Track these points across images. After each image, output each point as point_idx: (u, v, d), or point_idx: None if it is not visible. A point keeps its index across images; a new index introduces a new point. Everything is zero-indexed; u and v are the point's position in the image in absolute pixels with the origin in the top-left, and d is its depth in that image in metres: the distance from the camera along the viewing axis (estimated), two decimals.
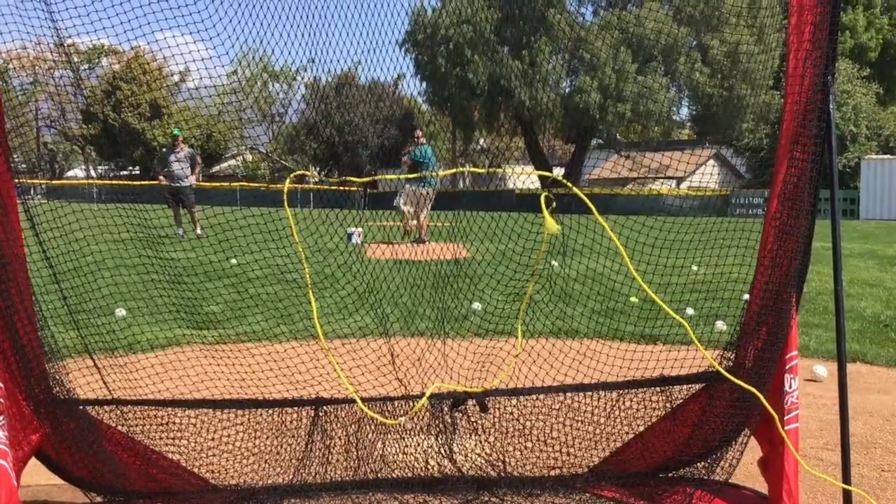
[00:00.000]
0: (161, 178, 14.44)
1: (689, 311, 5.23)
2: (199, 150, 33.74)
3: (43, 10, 2.61)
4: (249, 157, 50.58)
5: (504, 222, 3.24)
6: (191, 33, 2.79)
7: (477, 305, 6.00)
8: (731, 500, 2.87)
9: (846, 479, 2.63)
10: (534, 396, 3.06)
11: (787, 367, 2.71)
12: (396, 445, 3.08)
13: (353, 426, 3.02)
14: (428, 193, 12.90)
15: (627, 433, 3.03)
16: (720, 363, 2.80)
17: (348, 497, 2.90)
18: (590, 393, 3.04)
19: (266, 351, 3.45)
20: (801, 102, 2.60)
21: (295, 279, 7.09)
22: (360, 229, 9.18)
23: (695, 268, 3.24)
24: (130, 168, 47.06)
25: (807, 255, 2.70)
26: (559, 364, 3.19)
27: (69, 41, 2.76)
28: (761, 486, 2.88)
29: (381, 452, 3.05)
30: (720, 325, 5.09)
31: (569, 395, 3.04)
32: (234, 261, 7.01)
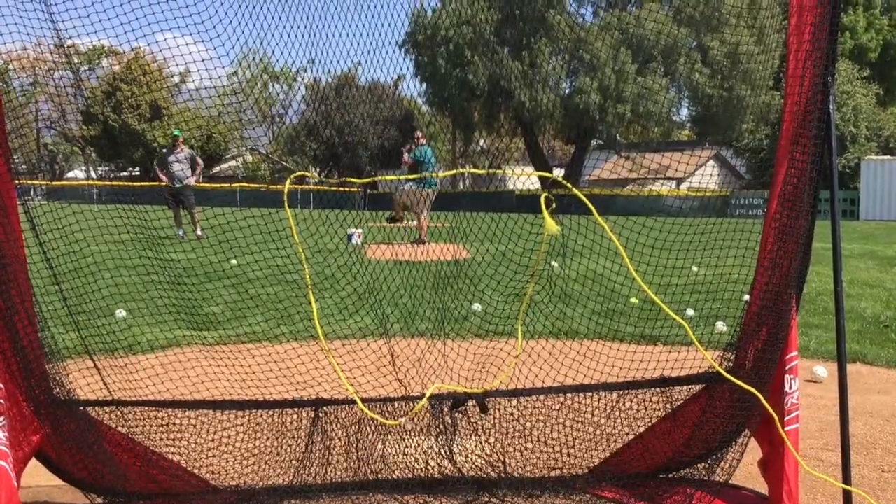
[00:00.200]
0: (161, 178, 14.44)
1: (689, 311, 5.23)
2: (199, 151, 33.74)
3: (43, 11, 2.61)
4: (250, 158, 50.61)
5: (504, 223, 3.24)
6: (191, 34, 2.80)
7: (477, 306, 6.00)
8: (731, 501, 2.87)
9: (846, 479, 2.63)
10: (534, 397, 3.06)
11: (787, 367, 2.71)
12: (397, 446, 3.08)
13: (353, 427, 3.02)
14: (429, 194, 12.89)
15: (628, 434, 3.03)
16: (720, 364, 2.80)
17: (348, 498, 2.90)
18: (590, 394, 3.04)
19: (266, 352, 3.45)
20: (801, 103, 2.60)
21: (295, 280, 7.10)
22: (360, 230, 9.17)
23: (695, 269, 3.24)
24: (131, 169, 47.07)
25: (807, 255, 2.70)
26: (559, 365, 3.19)
27: (69, 42, 2.76)
28: (761, 487, 2.87)
29: (381, 453, 3.05)
30: (720, 325, 5.09)
31: (569, 395, 3.04)
32: (234, 262, 7.00)
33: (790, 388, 2.70)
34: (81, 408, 2.81)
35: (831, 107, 2.58)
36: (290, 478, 2.97)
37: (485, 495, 2.90)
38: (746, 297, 2.83)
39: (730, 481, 2.92)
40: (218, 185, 35.79)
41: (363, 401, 2.80)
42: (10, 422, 2.44)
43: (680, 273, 3.20)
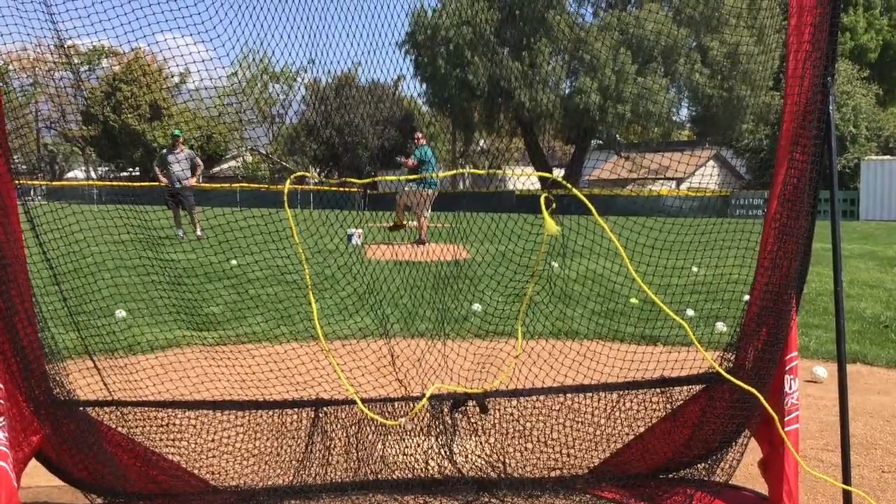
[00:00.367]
0: (161, 178, 14.44)
1: (689, 312, 5.24)
2: (199, 152, 33.76)
3: (43, 11, 2.61)
4: (250, 159, 50.62)
5: (504, 223, 3.24)
6: (191, 35, 2.80)
7: (477, 306, 6.00)
8: (731, 501, 2.87)
9: (846, 480, 2.63)
10: (534, 397, 3.06)
11: (787, 368, 2.71)
12: (396, 446, 3.08)
13: (353, 427, 3.02)
14: (430, 195, 12.90)
15: (628, 434, 3.03)
16: (720, 364, 2.80)
17: (348, 498, 2.90)
18: (590, 394, 3.04)
19: (266, 352, 3.45)
20: (800, 103, 2.60)
21: (295, 280, 7.10)
22: (360, 230, 9.17)
23: (695, 269, 3.24)
24: (130, 169, 47.07)
25: (807, 256, 2.70)
26: (559, 365, 3.19)
27: (69, 42, 2.76)
28: (761, 488, 2.87)
29: (381, 453, 3.05)
30: (720, 326, 5.09)
31: (569, 396, 3.04)
32: (234, 262, 7.01)
33: (790, 388, 2.70)
34: (81, 408, 2.81)
35: (831, 107, 2.58)
36: (290, 478, 2.97)
37: (485, 495, 2.90)
38: (746, 298, 2.83)
39: (730, 482, 2.92)
40: (218, 185, 35.79)
41: (363, 401, 2.80)
42: (9, 422, 2.44)
43: (680, 273, 3.20)
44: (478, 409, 2.96)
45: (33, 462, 2.69)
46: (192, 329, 4.95)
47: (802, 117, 2.60)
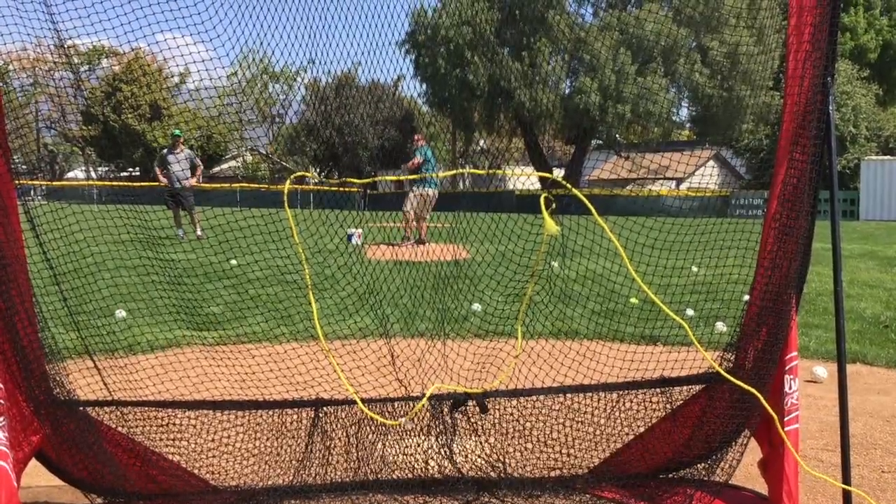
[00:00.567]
0: (161, 178, 14.44)
1: (689, 312, 5.24)
2: (199, 152, 33.76)
3: (43, 11, 2.61)
4: (250, 158, 50.62)
5: (504, 223, 3.25)
6: (191, 34, 2.80)
7: (477, 306, 6.00)
8: (731, 501, 2.87)
9: (846, 479, 2.63)
10: (534, 397, 3.06)
11: (787, 367, 2.71)
12: (396, 446, 3.09)
13: (353, 427, 3.02)
14: (431, 195, 12.90)
15: (627, 434, 3.03)
16: (720, 364, 2.80)
17: (348, 498, 2.90)
18: (590, 394, 3.04)
19: (266, 352, 3.45)
20: (800, 103, 2.60)
21: (295, 280, 7.10)
22: (360, 230, 9.16)
23: (695, 269, 3.24)
24: (131, 169, 47.08)
25: (807, 256, 2.70)
26: (559, 365, 3.19)
27: (69, 42, 2.76)
28: (761, 487, 2.88)
29: (381, 453, 3.05)
30: (720, 326, 5.10)
31: (569, 396, 3.04)
32: (234, 262, 7.01)
33: (790, 388, 2.70)
34: (81, 408, 2.81)
35: (831, 107, 2.58)
36: (290, 478, 2.97)
37: (485, 495, 2.90)
38: (746, 298, 2.83)
39: (730, 481, 2.92)
40: (218, 185, 35.78)
41: (363, 401, 2.80)
42: (9, 422, 2.44)
43: (680, 273, 3.20)
44: (478, 408, 2.96)
45: (33, 462, 2.69)
46: (192, 329, 4.95)
47: (802, 117, 2.60)
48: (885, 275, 9.72)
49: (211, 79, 3.23)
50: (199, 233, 13.51)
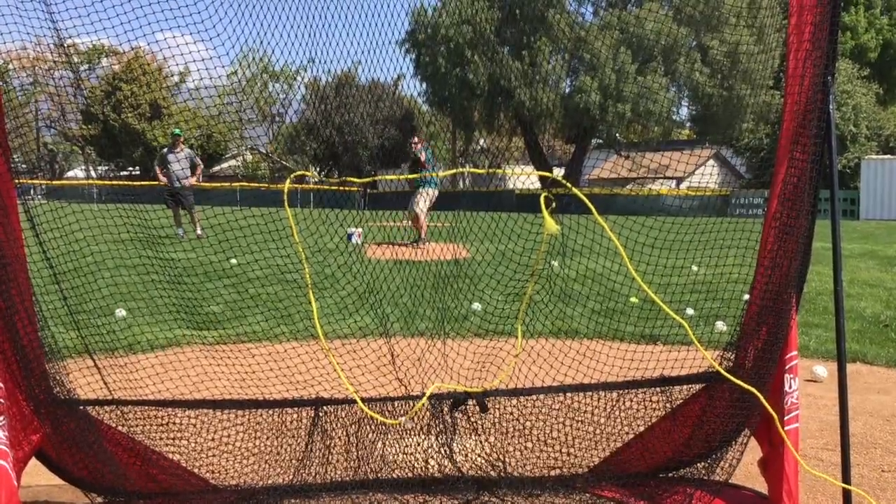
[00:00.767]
0: (161, 177, 14.43)
1: (689, 311, 5.23)
2: (199, 151, 33.75)
3: (43, 10, 2.61)
4: (249, 158, 50.59)
5: (504, 223, 3.25)
6: (191, 34, 2.80)
7: (477, 306, 6.00)
8: (731, 501, 2.87)
9: (846, 479, 2.63)
10: (534, 396, 3.06)
11: (787, 367, 2.71)
12: (396, 445, 3.09)
13: (353, 426, 3.02)
14: (432, 195, 12.90)
15: (627, 433, 3.03)
16: (720, 363, 2.80)
17: (348, 497, 2.90)
18: (590, 393, 3.04)
19: (266, 351, 3.45)
20: (801, 102, 2.60)
21: (295, 279, 7.09)
22: (360, 229, 9.17)
23: (695, 268, 3.24)
24: (130, 168, 47.08)
25: (807, 255, 2.70)
26: (559, 364, 3.19)
27: (69, 41, 2.76)
28: (761, 487, 2.88)
29: (381, 452, 3.06)
30: (720, 325, 5.10)
31: (569, 395, 3.04)
32: (234, 261, 7.01)
33: (790, 387, 2.70)
34: (81, 407, 2.81)
35: (831, 106, 2.58)
36: (290, 477, 2.97)
37: (485, 494, 2.90)
38: (746, 297, 2.83)
39: (730, 481, 2.92)
40: (218, 184, 35.77)
41: (363, 400, 2.80)
42: (9, 421, 2.44)
43: (680, 272, 3.20)
44: (478, 408, 2.96)
45: (33, 461, 2.69)
46: (191, 328, 4.95)
47: (803, 116, 2.60)
48: (885, 274, 9.72)
49: (211, 78, 3.22)
50: (198, 232, 13.51)
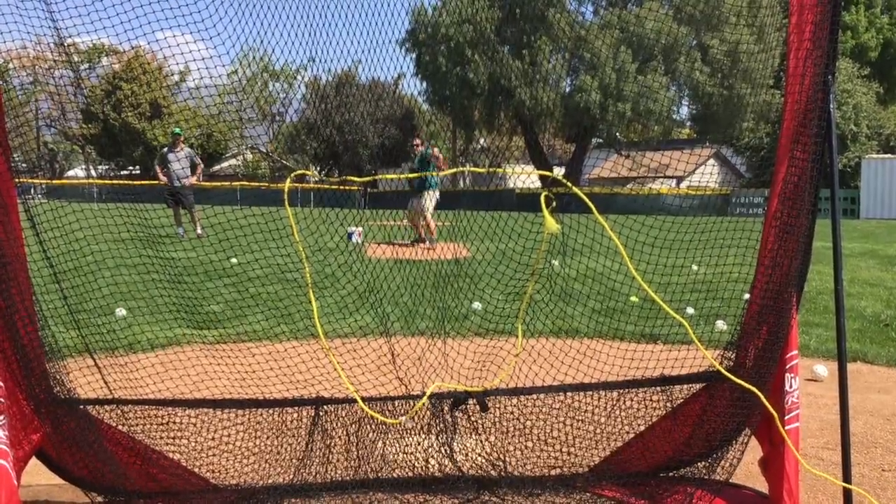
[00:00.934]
0: (161, 176, 14.43)
1: (690, 310, 5.23)
2: (199, 150, 33.73)
3: (43, 9, 2.61)
4: (250, 157, 50.60)
5: (504, 222, 3.25)
6: (191, 33, 2.79)
7: (477, 305, 6.00)
8: (731, 500, 2.87)
9: (847, 478, 2.63)
10: (534, 396, 3.06)
11: (788, 366, 2.71)
12: (397, 445, 3.08)
13: (353, 426, 3.02)
14: (437, 195, 12.92)
15: (628, 433, 3.03)
16: (721, 363, 2.80)
17: (349, 496, 2.90)
18: (590, 392, 3.04)
19: (266, 350, 3.45)
20: (801, 101, 2.60)
21: (295, 278, 7.09)
22: (360, 229, 9.17)
23: (695, 267, 3.24)
24: (131, 168, 47.07)
25: (807, 254, 2.70)
26: (559, 363, 3.19)
27: (69, 40, 2.76)
28: (762, 486, 2.88)
29: (381, 452, 3.05)
30: (720, 324, 5.09)
31: (569, 394, 3.04)
32: (234, 260, 7.00)
33: (790, 386, 2.70)
34: (82, 406, 2.81)
35: (832, 105, 2.58)
36: (291, 476, 2.97)
37: (485, 494, 2.90)
38: (747, 296, 2.83)
39: (730, 480, 2.92)
40: (218, 183, 35.79)
41: (363, 399, 2.80)
42: (10, 420, 2.44)
43: (680, 272, 3.20)
44: (478, 407, 2.96)
45: (33, 460, 2.69)
46: (192, 327, 4.95)
47: (803, 115, 2.60)
48: (885, 273, 9.71)
49: (211, 77, 3.22)
50: (199, 231, 13.51)
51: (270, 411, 3.01)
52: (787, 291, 2.66)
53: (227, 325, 5.69)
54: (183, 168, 14.44)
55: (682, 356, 3.01)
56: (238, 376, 3.33)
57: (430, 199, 12.64)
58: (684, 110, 39.47)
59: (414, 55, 36.47)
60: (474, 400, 2.94)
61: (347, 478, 2.98)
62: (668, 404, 2.97)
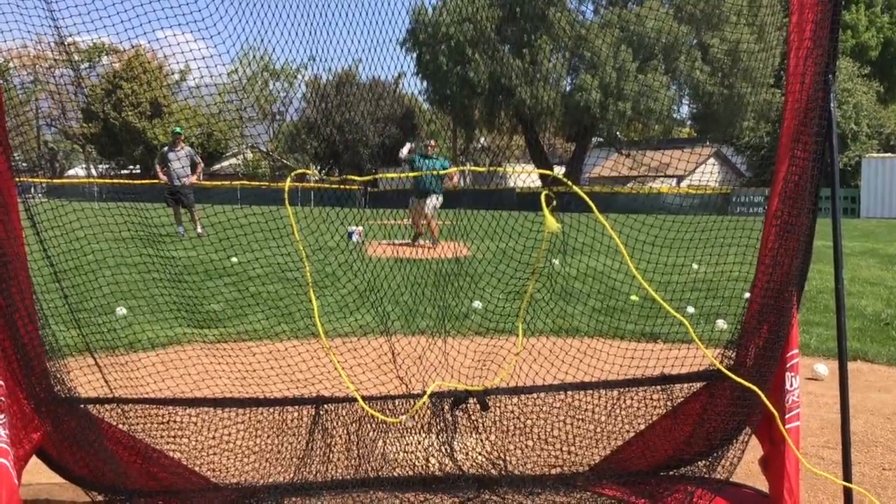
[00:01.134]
0: (161, 175, 14.43)
1: (690, 309, 5.23)
2: (199, 149, 33.74)
3: (43, 8, 2.61)
4: (250, 156, 50.60)
5: (505, 221, 3.25)
6: (191, 31, 2.79)
7: (478, 304, 6.00)
8: (732, 499, 2.87)
9: (847, 477, 2.63)
10: (535, 395, 3.06)
11: (788, 365, 2.71)
12: (397, 444, 3.09)
13: (353, 425, 3.02)
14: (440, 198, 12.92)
15: (628, 431, 3.03)
16: (721, 361, 2.80)
17: (349, 495, 2.90)
18: (591, 391, 3.04)
19: (267, 349, 3.45)
20: (802, 101, 2.59)
21: (296, 278, 7.09)
22: (360, 228, 9.18)
23: (695, 266, 3.24)
24: (131, 167, 47.07)
25: (808, 253, 2.70)
26: (560, 362, 3.19)
27: (70, 39, 2.76)
28: (762, 485, 2.88)
29: (381, 451, 3.06)
30: (721, 323, 5.09)
31: (570, 393, 3.04)
32: (234, 259, 7.00)
33: (791, 385, 2.70)
34: (82, 405, 2.81)
35: (832, 104, 2.58)
36: (291, 475, 2.98)
37: (485, 493, 2.90)
38: (747, 295, 2.83)
39: (730, 479, 2.92)
40: (218, 182, 35.79)
41: (364, 398, 2.80)
42: (10, 419, 2.44)
43: (680, 271, 3.20)
44: (478, 406, 2.96)
45: (34, 459, 2.69)
46: (192, 326, 4.95)
47: (804, 115, 2.60)
48: (885, 272, 9.71)
49: (211, 76, 3.21)
50: (199, 230, 13.51)
51: (271, 410, 3.01)
52: (787, 290, 2.66)
53: (228, 324, 5.69)
54: (183, 167, 14.43)
55: (683, 355, 3.01)
56: (238, 375, 3.33)
57: (435, 202, 12.64)
58: (685, 109, 39.48)
59: (414, 54, 36.46)
60: (475, 399, 2.94)
61: (348, 477, 2.99)
62: (669, 403, 2.98)
